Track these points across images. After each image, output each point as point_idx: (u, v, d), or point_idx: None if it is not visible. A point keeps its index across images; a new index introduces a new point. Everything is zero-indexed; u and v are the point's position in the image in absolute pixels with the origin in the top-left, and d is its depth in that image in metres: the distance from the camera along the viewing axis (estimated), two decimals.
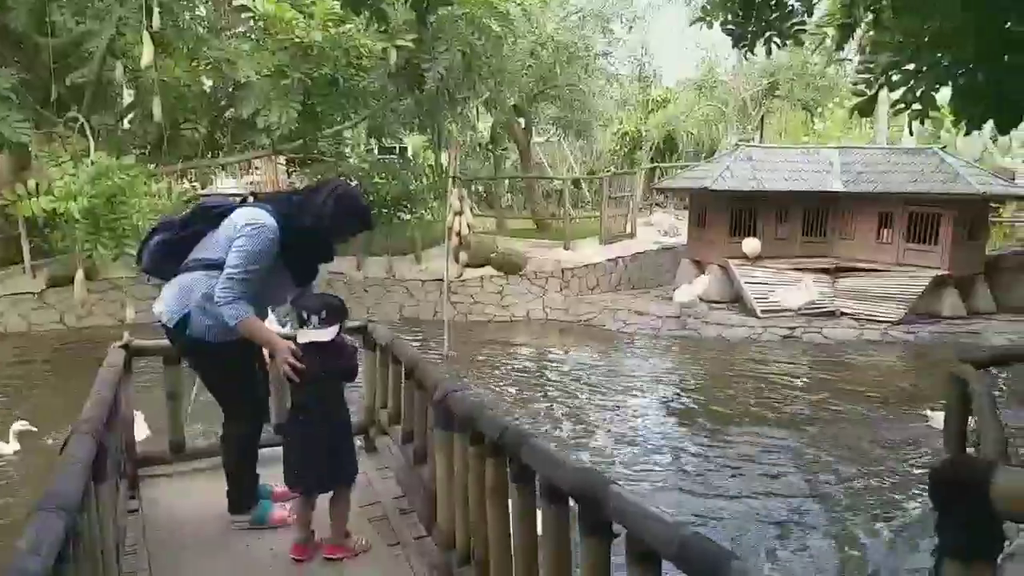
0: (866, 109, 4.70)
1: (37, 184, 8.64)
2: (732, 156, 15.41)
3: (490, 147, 20.16)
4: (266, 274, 3.15)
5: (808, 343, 12.63)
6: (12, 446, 7.12)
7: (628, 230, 17.62)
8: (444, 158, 14.26)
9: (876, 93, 4.59)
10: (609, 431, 8.60)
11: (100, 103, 11.12)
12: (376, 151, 18.61)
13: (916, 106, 6.10)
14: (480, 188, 22.38)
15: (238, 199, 3.40)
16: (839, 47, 7.34)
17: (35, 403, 8.74)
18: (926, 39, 4.60)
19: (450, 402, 2.85)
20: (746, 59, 23.71)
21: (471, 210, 12.32)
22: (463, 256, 12.70)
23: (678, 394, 10.23)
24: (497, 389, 10.29)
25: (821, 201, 14.77)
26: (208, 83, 11.68)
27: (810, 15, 5.76)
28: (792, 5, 5.62)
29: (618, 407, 9.56)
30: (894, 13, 4.85)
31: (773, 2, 5.53)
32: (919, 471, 7.19)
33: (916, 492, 6.74)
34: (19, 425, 7.19)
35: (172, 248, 3.31)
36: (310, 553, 3.26)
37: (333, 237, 3.33)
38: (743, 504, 6.62)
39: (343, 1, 5.77)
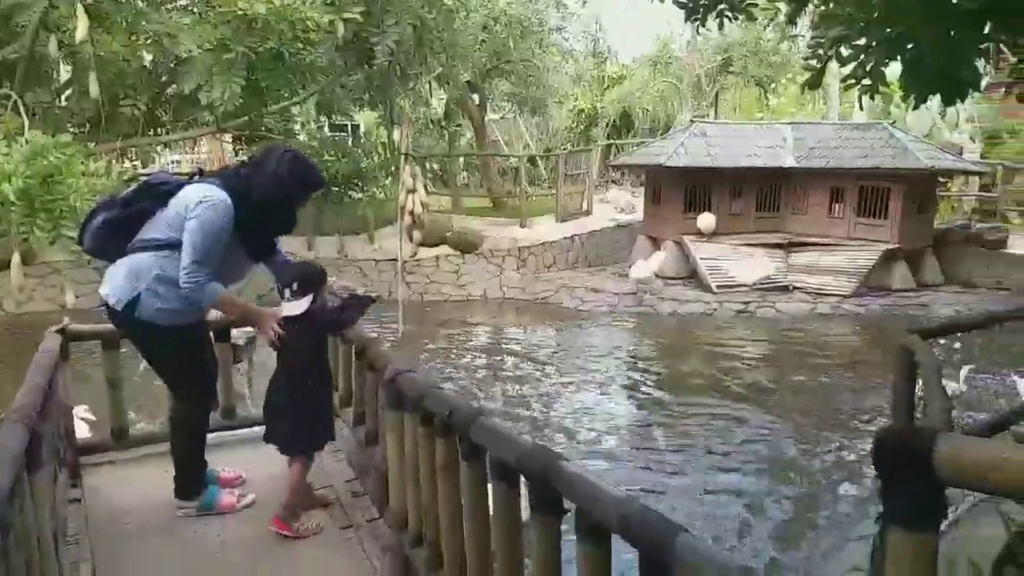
0: (814, 82, 4.72)
1: None
2: (687, 132, 15.48)
3: (444, 124, 19.92)
4: (223, 252, 3.06)
5: (762, 318, 12.83)
6: None
7: (584, 207, 17.64)
8: (396, 135, 14.02)
9: (824, 66, 4.60)
10: (568, 409, 8.62)
11: (34, 79, 10.63)
12: (327, 128, 18.24)
13: (866, 81, 6.17)
14: (435, 166, 22.15)
15: (186, 176, 3.26)
16: (791, 22, 7.35)
17: None
18: (875, 14, 4.62)
19: (400, 382, 2.79)
20: (699, 33, 23.82)
21: (425, 188, 12.14)
22: (416, 235, 12.56)
23: (636, 370, 10.29)
24: (455, 369, 10.25)
25: (774, 177, 14.94)
26: (149, 58, 11.25)
27: None
28: None
29: (576, 385, 9.58)
30: None
31: None
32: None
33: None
34: None
35: (117, 227, 3.14)
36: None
37: (291, 205, 3.24)
38: (702, 476, 6.70)
39: None
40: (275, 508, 3.33)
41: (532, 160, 22.24)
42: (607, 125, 25.14)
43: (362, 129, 23.08)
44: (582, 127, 25.61)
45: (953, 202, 18.49)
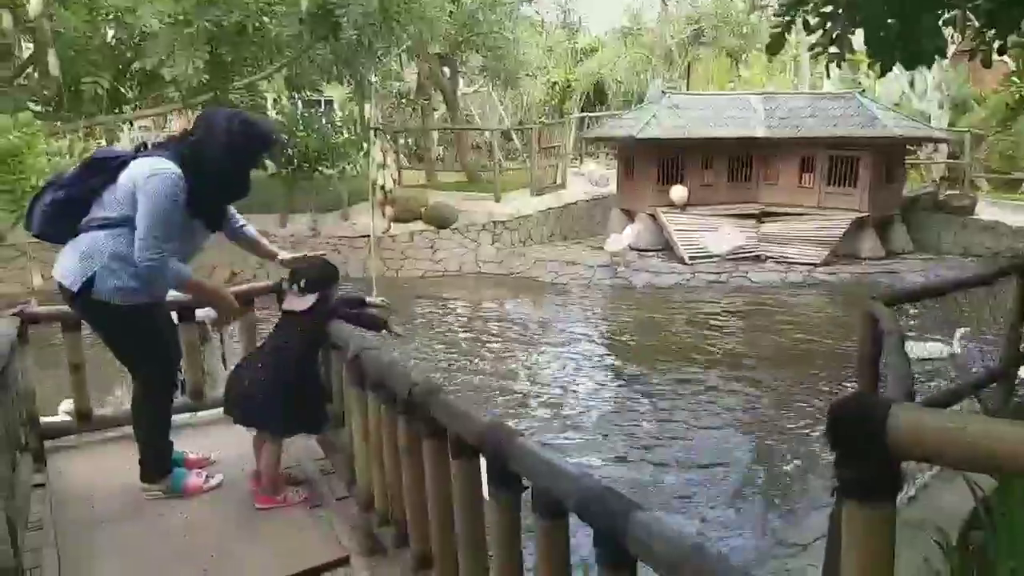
0: (775, 48, 4.70)
1: None
2: (658, 104, 15.44)
3: (417, 98, 19.68)
4: (178, 224, 2.99)
5: (735, 287, 12.91)
6: None
7: (558, 181, 17.58)
8: (367, 110, 13.82)
9: (783, 31, 4.59)
10: (545, 381, 8.64)
11: None
12: (300, 104, 17.94)
13: (832, 49, 6.17)
14: (410, 141, 21.94)
15: (131, 150, 3.17)
16: None
17: None
18: None
19: (362, 360, 2.75)
20: (665, 4, 23.66)
21: (396, 163, 12.00)
22: (389, 210, 12.44)
23: (611, 340, 10.34)
24: (430, 345, 10.22)
25: (745, 147, 14.98)
26: (111, 34, 10.96)
27: None
28: None
29: (553, 356, 9.61)
30: None
31: None
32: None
33: None
34: None
35: (66, 208, 3.04)
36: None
37: (244, 168, 3.17)
38: (679, 444, 6.76)
39: None
40: (244, 489, 3.32)
41: (507, 134, 22.08)
42: (581, 98, 25.00)
43: (336, 105, 22.72)
44: (556, 100, 25.45)
45: (922, 170, 18.68)
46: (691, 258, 13.69)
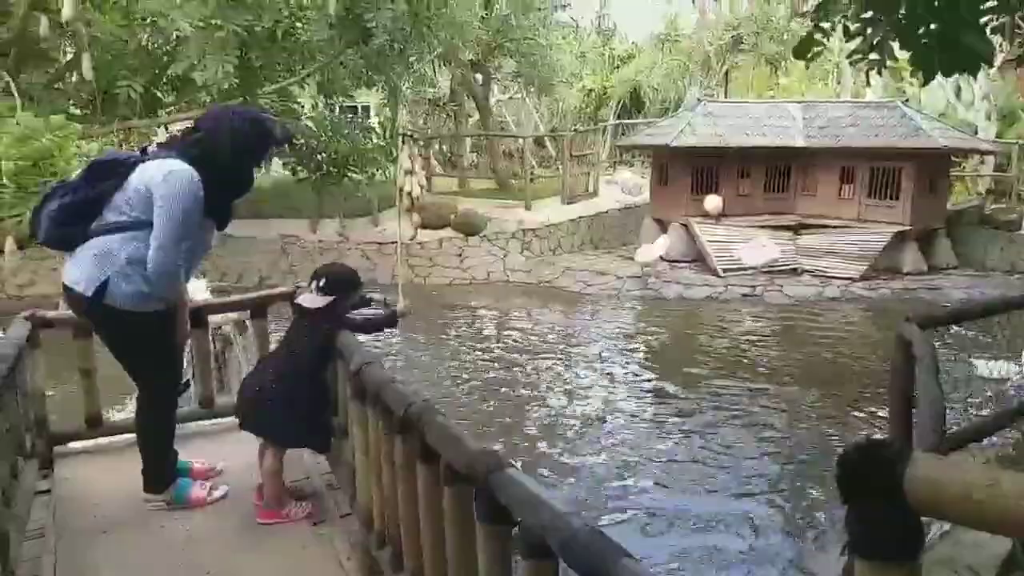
0: (802, 50, 4.51)
1: None
2: (694, 112, 15.21)
3: (449, 104, 19.67)
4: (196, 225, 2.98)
5: (769, 301, 12.60)
6: None
7: (591, 189, 17.40)
8: (399, 116, 13.83)
9: (811, 35, 4.40)
10: (574, 393, 8.48)
11: (30, 61, 10.52)
12: (337, 110, 18.05)
13: (873, 56, 5.94)
14: (444, 148, 21.94)
15: (137, 152, 3.12)
16: None
17: None
18: None
19: (363, 375, 2.65)
20: (704, 10, 23.36)
21: (427, 170, 11.98)
22: (415, 217, 12.41)
23: (637, 357, 10.13)
24: (456, 354, 10.12)
25: (783, 157, 14.66)
26: (146, 38, 11.11)
27: None
28: None
29: (581, 368, 9.46)
30: None
31: None
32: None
33: None
34: None
35: (75, 213, 2.99)
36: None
37: (252, 165, 3.16)
38: (703, 468, 6.55)
39: None
40: (249, 502, 3.25)
41: (540, 141, 21.99)
42: (617, 105, 24.79)
43: (372, 111, 22.84)
44: (591, 107, 25.28)
45: (967, 182, 18.13)
46: (724, 270, 13.41)
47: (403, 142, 10.28)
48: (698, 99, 16.74)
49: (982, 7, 4.31)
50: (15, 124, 8.23)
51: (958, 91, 18.95)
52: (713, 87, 25.08)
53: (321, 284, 3.15)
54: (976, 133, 17.15)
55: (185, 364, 4.39)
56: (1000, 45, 14.47)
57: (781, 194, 14.96)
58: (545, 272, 14.31)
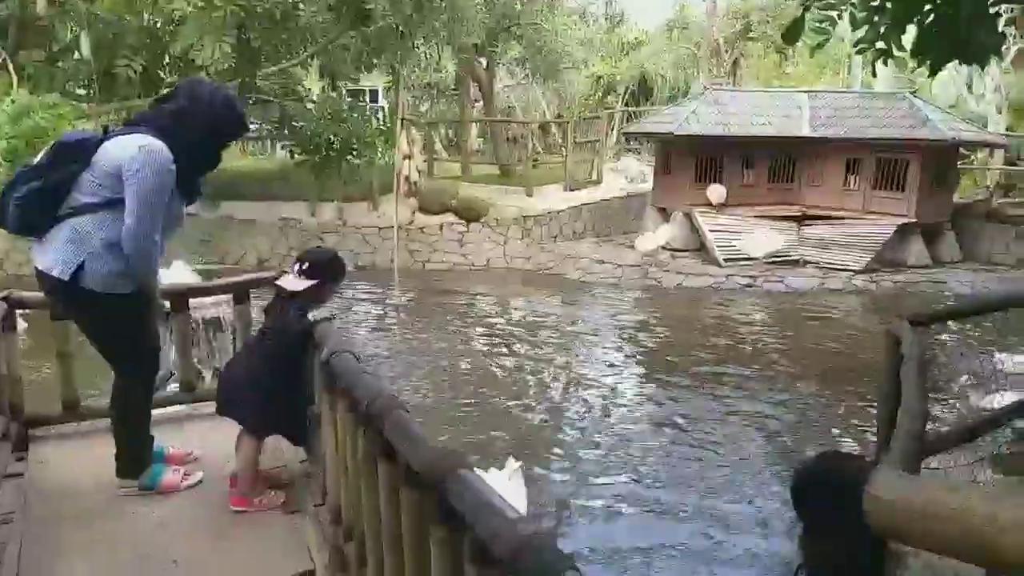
0: (791, 36, 4.38)
1: None
2: (699, 100, 15.03)
3: (454, 89, 19.49)
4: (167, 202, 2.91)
5: (769, 292, 12.47)
6: None
7: (594, 177, 17.25)
8: (403, 100, 13.67)
9: (802, 17, 4.27)
10: (572, 381, 8.41)
11: (29, 39, 10.41)
12: (344, 93, 17.88)
13: (880, 45, 5.79)
14: (450, 133, 21.77)
15: (101, 130, 3.03)
16: None
17: None
18: None
19: (334, 363, 2.57)
20: None
21: (429, 153, 11.84)
22: (412, 201, 12.30)
23: (631, 347, 10.04)
24: (453, 340, 10.04)
25: (789, 146, 14.48)
26: (147, 18, 10.97)
27: None
28: None
29: (579, 356, 9.38)
30: None
31: None
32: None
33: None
34: None
35: (46, 196, 2.89)
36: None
37: (223, 143, 3.13)
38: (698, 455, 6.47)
39: None
40: (223, 489, 3.18)
41: (545, 128, 21.79)
42: (625, 92, 24.56)
43: (381, 95, 22.63)
44: (599, 94, 25.05)
45: (975, 176, 17.90)
46: (726, 260, 13.28)
47: (401, 127, 10.16)
48: (704, 87, 16.54)
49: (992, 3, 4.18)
50: (11, 102, 8.15)
51: (970, 84, 18.69)
52: (722, 75, 24.82)
53: (304, 267, 3.06)
54: (986, 126, 16.92)
55: (173, 356, 4.34)
56: (1012, 36, 14.22)
57: (785, 184, 14.79)
58: (544, 259, 14.21)
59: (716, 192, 14.21)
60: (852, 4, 5.74)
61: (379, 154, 12.63)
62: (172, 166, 2.84)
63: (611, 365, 9.16)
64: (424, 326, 10.63)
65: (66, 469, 3.48)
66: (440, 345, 9.66)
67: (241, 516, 3.11)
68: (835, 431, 7.05)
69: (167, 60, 11.63)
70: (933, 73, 5.97)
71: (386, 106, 18.12)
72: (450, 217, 14.39)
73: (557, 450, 6.58)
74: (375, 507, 2.14)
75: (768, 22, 23.44)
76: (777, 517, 5.32)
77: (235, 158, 17.21)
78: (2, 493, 3.23)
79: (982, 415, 4.16)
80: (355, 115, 12.04)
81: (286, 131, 12.55)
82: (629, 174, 18.00)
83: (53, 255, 2.89)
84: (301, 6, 9.14)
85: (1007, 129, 17.74)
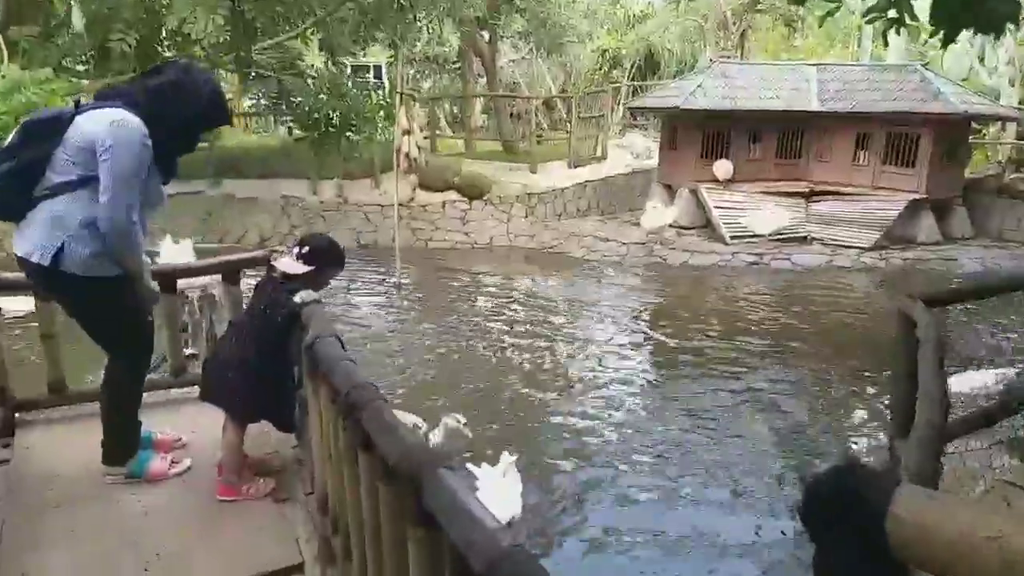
0: None
1: None
2: (706, 73, 14.74)
3: (455, 64, 19.19)
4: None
5: (776, 270, 12.29)
6: None
7: (599, 153, 17.01)
8: (403, 74, 13.44)
9: None
10: (575, 361, 8.29)
11: (24, 14, 10.22)
12: (349, 70, 17.59)
13: (891, 13, 5.57)
14: (455, 109, 21.49)
15: (73, 105, 2.89)
16: None
17: None
18: None
19: (316, 349, 2.45)
20: None
21: (431, 129, 11.64)
22: (412, 178, 12.11)
23: (640, 325, 9.91)
24: (455, 319, 9.92)
25: (797, 121, 14.21)
26: None
27: None
28: None
29: (584, 336, 9.25)
30: None
31: None
32: None
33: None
34: None
35: (20, 178, 2.78)
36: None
37: (203, 127, 3.06)
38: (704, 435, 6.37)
39: None
40: (212, 477, 3.10)
41: (550, 103, 21.49)
42: (631, 66, 24.19)
43: (384, 71, 22.32)
44: (605, 69, 24.68)
45: (987, 150, 17.59)
46: (732, 237, 13.09)
47: (401, 102, 9.96)
48: (711, 60, 16.24)
49: None
50: (1, 77, 7.99)
51: (982, 56, 18.32)
52: (729, 48, 24.40)
53: (303, 251, 2.97)
54: (998, 99, 16.59)
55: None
56: None
57: (793, 160, 14.54)
58: (549, 237, 14.04)
59: (723, 168, 13.98)
60: None
61: (379, 130, 12.42)
62: (148, 141, 2.73)
63: (615, 344, 9.03)
64: (424, 308, 10.52)
65: (51, 455, 3.40)
66: (440, 324, 9.55)
67: (227, 506, 3.03)
68: (842, 411, 6.95)
69: (163, 35, 11.44)
70: (947, 43, 5.75)
71: (388, 81, 17.87)
72: (453, 195, 14.21)
73: (565, 434, 6.47)
74: (357, 499, 2.04)
75: None
76: (784, 501, 5.23)
77: (238, 135, 17.04)
78: None
79: (997, 398, 4.03)
80: (354, 90, 11.82)
81: (284, 106, 12.37)
82: (635, 150, 17.73)
83: (32, 241, 2.79)
84: None
85: (1020, 102, 17.39)
